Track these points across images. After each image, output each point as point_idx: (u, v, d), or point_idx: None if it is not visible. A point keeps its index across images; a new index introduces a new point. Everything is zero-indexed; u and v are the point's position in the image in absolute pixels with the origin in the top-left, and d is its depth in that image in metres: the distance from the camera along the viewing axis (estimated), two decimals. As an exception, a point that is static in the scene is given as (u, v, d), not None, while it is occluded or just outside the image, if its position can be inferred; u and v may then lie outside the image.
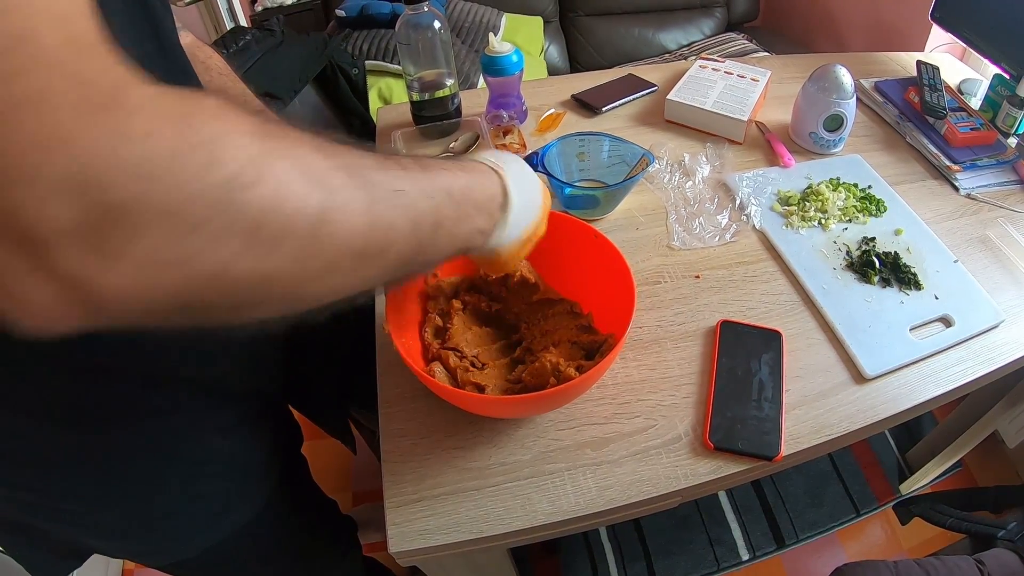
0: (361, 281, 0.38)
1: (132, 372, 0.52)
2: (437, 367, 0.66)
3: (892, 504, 1.46)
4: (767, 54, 1.98)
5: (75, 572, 1.22)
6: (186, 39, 0.71)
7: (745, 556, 1.39)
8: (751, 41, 2.09)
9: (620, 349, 0.61)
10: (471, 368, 0.66)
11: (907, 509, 1.18)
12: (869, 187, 0.96)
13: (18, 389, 0.49)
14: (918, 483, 1.49)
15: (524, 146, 1.01)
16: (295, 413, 0.91)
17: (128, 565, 1.47)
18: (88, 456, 0.55)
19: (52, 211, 0.24)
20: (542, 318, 0.73)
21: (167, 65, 0.50)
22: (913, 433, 1.60)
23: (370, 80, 1.63)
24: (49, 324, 0.27)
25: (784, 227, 0.90)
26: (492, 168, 0.51)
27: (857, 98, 1.01)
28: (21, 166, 0.23)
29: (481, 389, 0.64)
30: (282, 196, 0.30)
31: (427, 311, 0.71)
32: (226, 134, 0.29)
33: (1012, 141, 1.04)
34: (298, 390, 0.89)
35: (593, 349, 0.67)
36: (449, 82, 1.04)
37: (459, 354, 0.68)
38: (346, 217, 0.34)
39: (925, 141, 1.04)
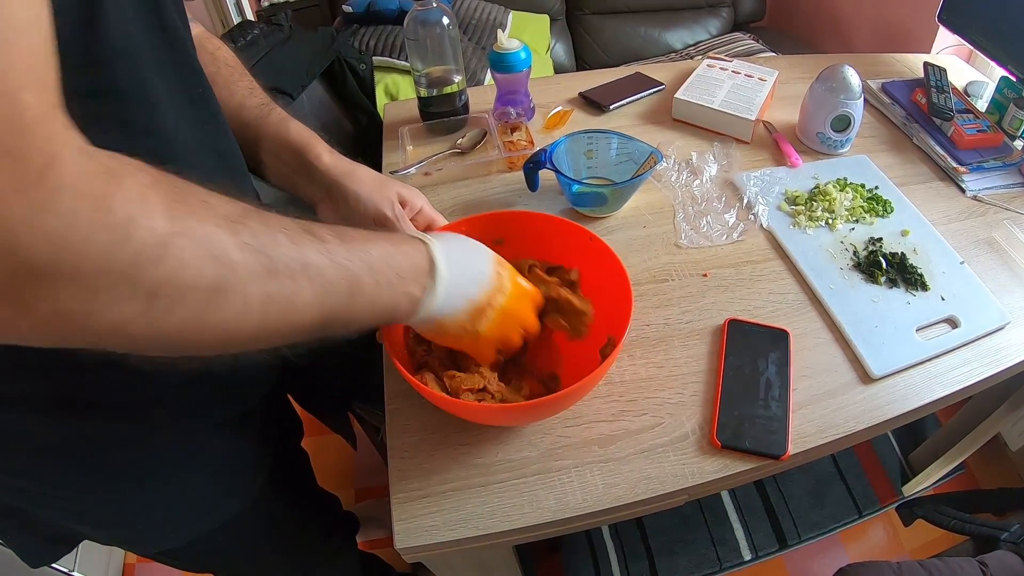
0: (266, 342, 0.41)
1: (117, 369, 0.52)
2: (428, 376, 0.63)
3: (895, 506, 1.46)
4: (773, 54, 1.97)
5: (78, 565, 1.23)
6: (195, 30, 0.71)
7: (747, 556, 1.39)
8: (757, 41, 2.08)
9: (618, 354, 0.60)
10: (456, 374, 0.62)
11: (910, 510, 1.18)
12: (876, 188, 0.95)
13: (8, 381, 0.49)
14: (921, 485, 1.49)
15: (531, 143, 1.01)
16: (297, 408, 0.91)
17: (130, 558, 1.47)
18: (75, 446, 0.56)
19: None
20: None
21: (173, 57, 0.50)
22: (916, 435, 1.60)
23: (377, 76, 1.63)
24: None
25: (791, 227, 0.90)
26: (419, 238, 0.53)
27: (864, 99, 1.01)
28: None
29: (481, 391, 0.62)
30: (180, 271, 0.34)
31: None
32: (140, 216, 0.32)
33: (1018, 143, 1.04)
34: (300, 385, 0.89)
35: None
36: (457, 78, 1.04)
37: (442, 362, 0.65)
38: (241, 290, 0.37)
39: (932, 142, 1.04)
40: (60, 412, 0.53)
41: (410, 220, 0.72)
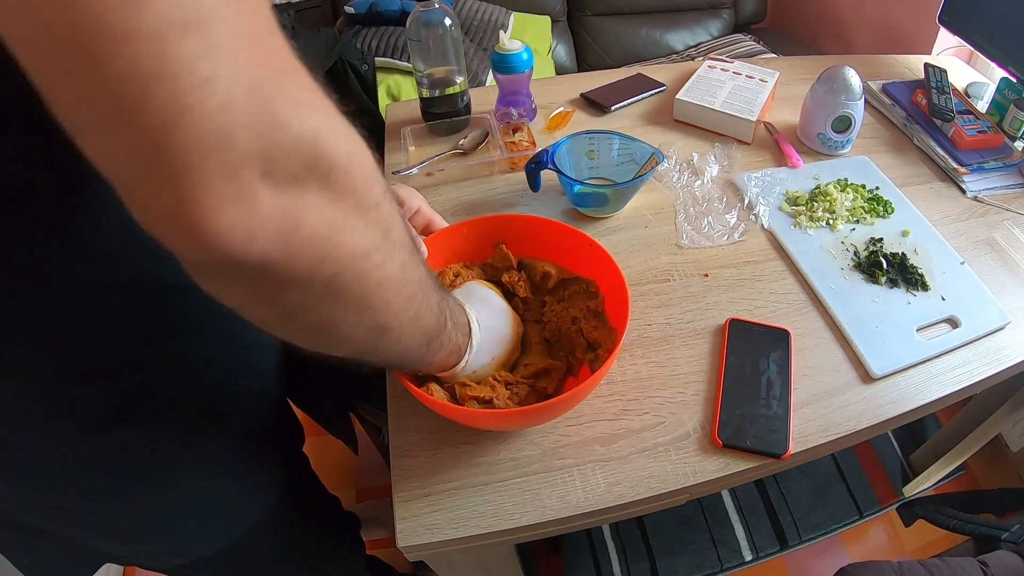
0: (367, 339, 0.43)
1: (134, 378, 0.52)
2: (433, 385, 0.62)
3: (895, 506, 1.46)
4: (774, 55, 1.98)
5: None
6: None
7: (748, 557, 1.39)
8: (758, 42, 2.09)
9: (616, 356, 0.60)
10: (468, 383, 0.62)
11: (911, 511, 1.18)
12: (877, 188, 0.96)
13: (26, 395, 0.49)
14: (921, 486, 1.49)
15: (533, 143, 1.02)
16: (297, 412, 0.91)
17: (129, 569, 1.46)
18: (102, 458, 0.55)
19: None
20: (557, 300, 0.72)
21: None
22: (917, 436, 1.60)
23: (379, 77, 1.63)
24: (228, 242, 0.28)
25: (792, 227, 0.90)
26: (458, 301, 0.59)
27: (865, 100, 1.01)
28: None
29: (487, 402, 0.61)
30: (384, 289, 0.39)
31: None
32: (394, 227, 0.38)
33: (1019, 144, 1.05)
34: (302, 388, 0.89)
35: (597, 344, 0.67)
36: (459, 79, 1.04)
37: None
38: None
39: (932, 143, 1.04)
40: (87, 427, 0.52)
41: (408, 220, 0.72)
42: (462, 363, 0.58)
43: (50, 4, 0.22)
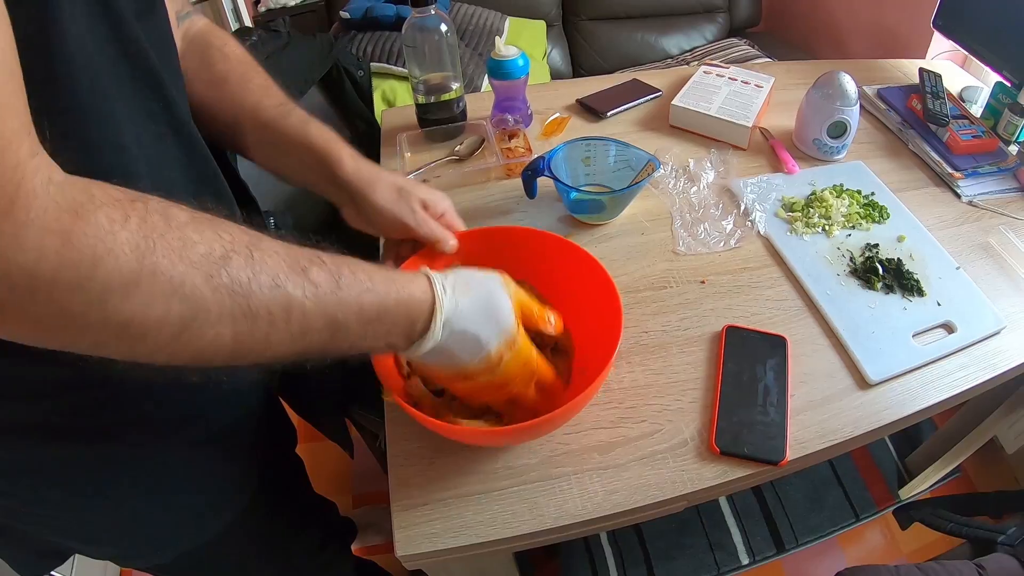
0: (244, 362, 0.43)
1: (99, 389, 0.52)
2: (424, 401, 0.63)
3: (892, 509, 1.46)
4: (769, 59, 1.98)
5: (74, 573, 1.23)
6: (199, 23, 0.70)
7: (745, 561, 1.39)
8: (753, 47, 2.09)
9: (606, 377, 0.60)
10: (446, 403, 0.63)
11: (907, 514, 1.18)
12: (872, 194, 0.96)
13: None
14: (917, 488, 1.50)
15: (529, 150, 1.02)
16: (293, 416, 0.90)
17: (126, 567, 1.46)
18: (59, 466, 0.55)
19: None
20: None
21: (132, 71, 0.48)
22: (912, 439, 1.60)
23: (374, 82, 1.63)
24: None
25: (788, 233, 0.90)
26: (430, 288, 0.52)
27: (860, 105, 1.01)
28: None
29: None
30: (147, 309, 0.36)
31: None
32: (107, 253, 0.34)
33: (1013, 149, 1.05)
34: (295, 391, 0.89)
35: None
36: (455, 85, 1.04)
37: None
38: (212, 328, 0.39)
39: (927, 148, 1.05)
40: (40, 434, 0.52)
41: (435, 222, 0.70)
42: (434, 325, 0.51)
43: None
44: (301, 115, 0.68)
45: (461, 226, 0.73)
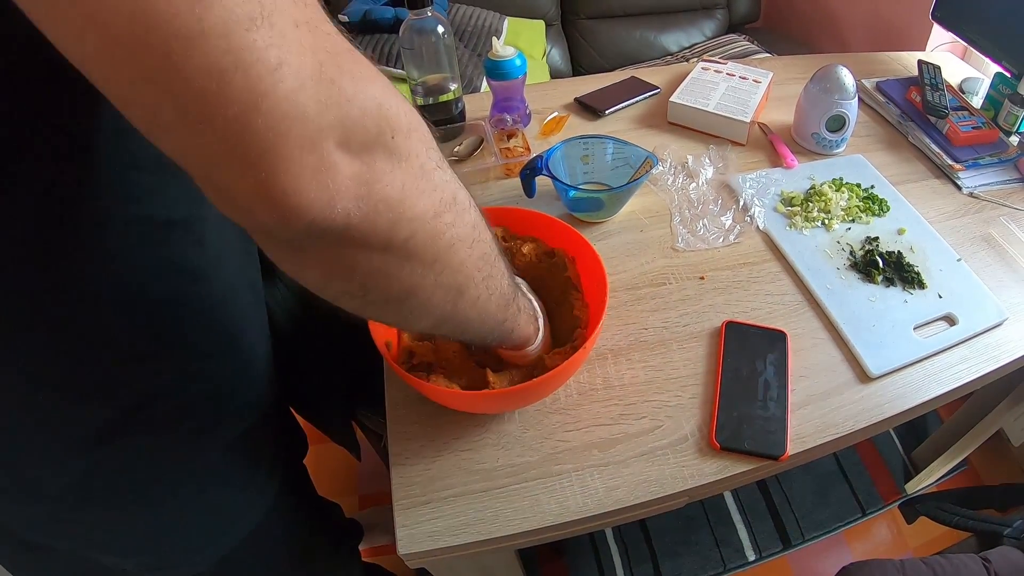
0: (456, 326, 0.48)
1: (128, 396, 0.53)
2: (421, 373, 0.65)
3: (898, 503, 1.46)
4: (769, 55, 1.98)
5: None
6: None
7: (751, 557, 1.39)
8: (752, 42, 2.09)
9: (595, 341, 0.63)
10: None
11: (913, 508, 1.18)
12: (872, 187, 0.96)
13: (26, 413, 0.49)
14: (923, 482, 1.49)
15: (528, 149, 1.02)
16: (300, 420, 0.91)
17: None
18: (93, 474, 0.55)
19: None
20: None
21: None
22: (918, 432, 1.60)
23: (373, 85, 1.63)
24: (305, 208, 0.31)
25: (788, 228, 0.90)
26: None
27: (859, 98, 1.01)
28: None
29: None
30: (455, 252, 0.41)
31: None
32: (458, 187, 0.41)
33: (1014, 139, 1.05)
34: (302, 394, 0.89)
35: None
36: (453, 86, 1.04)
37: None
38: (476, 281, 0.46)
39: (927, 140, 1.04)
40: (84, 443, 0.52)
41: None
42: (540, 332, 0.63)
43: (120, 18, 0.24)
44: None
45: None
